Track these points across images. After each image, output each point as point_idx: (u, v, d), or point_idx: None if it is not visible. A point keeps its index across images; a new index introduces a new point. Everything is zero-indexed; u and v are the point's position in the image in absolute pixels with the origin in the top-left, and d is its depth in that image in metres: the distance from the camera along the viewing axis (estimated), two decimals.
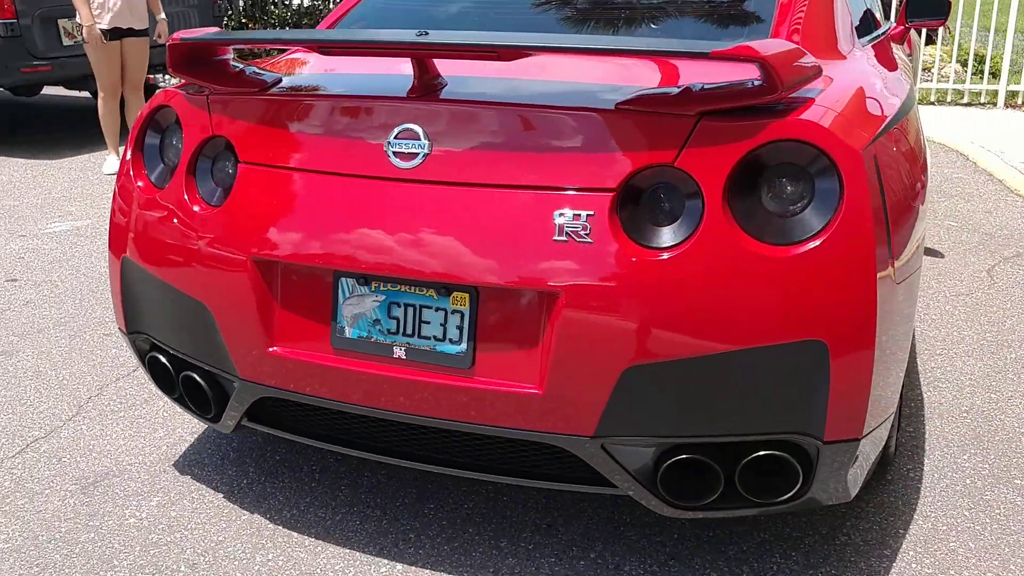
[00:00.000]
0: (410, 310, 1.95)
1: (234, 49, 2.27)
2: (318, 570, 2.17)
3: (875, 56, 2.83)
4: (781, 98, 1.79)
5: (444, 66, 2.08)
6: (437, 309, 1.93)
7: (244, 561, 2.21)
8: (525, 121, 1.87)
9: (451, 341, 1.92)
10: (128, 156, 2.33)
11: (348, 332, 2.00)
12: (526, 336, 1.87)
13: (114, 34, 6.05)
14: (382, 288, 1.97)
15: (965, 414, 2.83)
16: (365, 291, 1.98)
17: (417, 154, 1.91)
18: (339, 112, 2.00)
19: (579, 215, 1.81)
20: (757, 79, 1.79)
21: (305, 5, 10.93)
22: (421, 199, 1.91)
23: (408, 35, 1.89)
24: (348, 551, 2.24)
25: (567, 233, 1.81)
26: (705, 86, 1.83)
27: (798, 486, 1.90)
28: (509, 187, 1.86)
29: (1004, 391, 2.97)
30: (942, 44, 9.04)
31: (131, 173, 2.31)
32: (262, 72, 2.22)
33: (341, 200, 1.97)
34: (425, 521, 2.35)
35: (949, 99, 8.40)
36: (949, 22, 9.31)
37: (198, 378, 2.24)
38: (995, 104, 8.23)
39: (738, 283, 1.76)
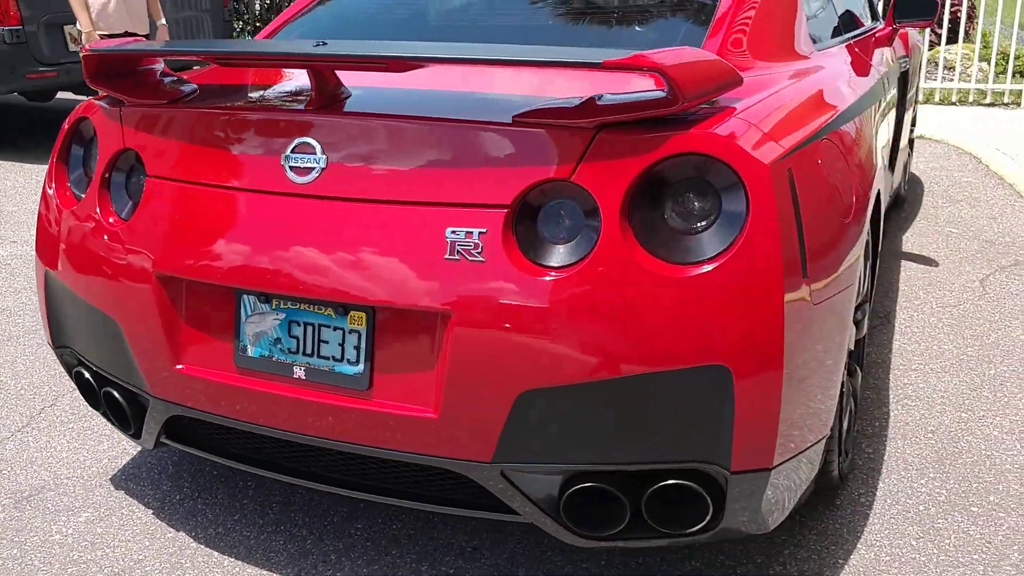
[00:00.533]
0: (309, 329, 1.89)
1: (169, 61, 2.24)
2: None
3: (843, 58, 2.73)
4: (684, 109, 1.70)
5: (347, 78, 2.02)
6: (335, 328, 1.86)
7: None
8: (420, 134, 1.80)
9: (349, 362, 1.86)
10: (51, 167, 2.30)
11: (250, 351, 1.95)
12: (421, 358, 1.80)
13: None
14: (282, 306, 1.91)
15: (931, 434, 2.71)
16: (266, 309, 1.93)
17: (313, 168, 1.85)
18: (240, 125, 1.95)
19: (471, 232, 1.73)
20: (661, 90, 1.70)
21: None
22: (317, 215, 1.84)
23: (304, 46, 1.83)
24: (266, 572, 2.19)
25: (459, 251, 1.73)
26: (604, 98, 1.75)
27: (708, 517, 1.81)
28: (403, 203, 1.79)
29: (976, 409, 2.84)
30: (965, 42, 8.80)
31: (52, 184, 2.27)
32: (176, 83, 2.18)
33: (242, 215, 1.91)
34: (350, 542, 2.29)
35: (972, 99, 8.16)
36: (975, 19, 9.06)
37: (116, 394, 2.21)
38: (1019, 104, 7.99)
39: (636, 304, 1.68)
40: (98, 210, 2.12)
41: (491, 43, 2.33)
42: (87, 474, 2.63)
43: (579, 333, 1.69)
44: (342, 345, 1.86)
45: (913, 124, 5.12)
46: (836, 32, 3.05)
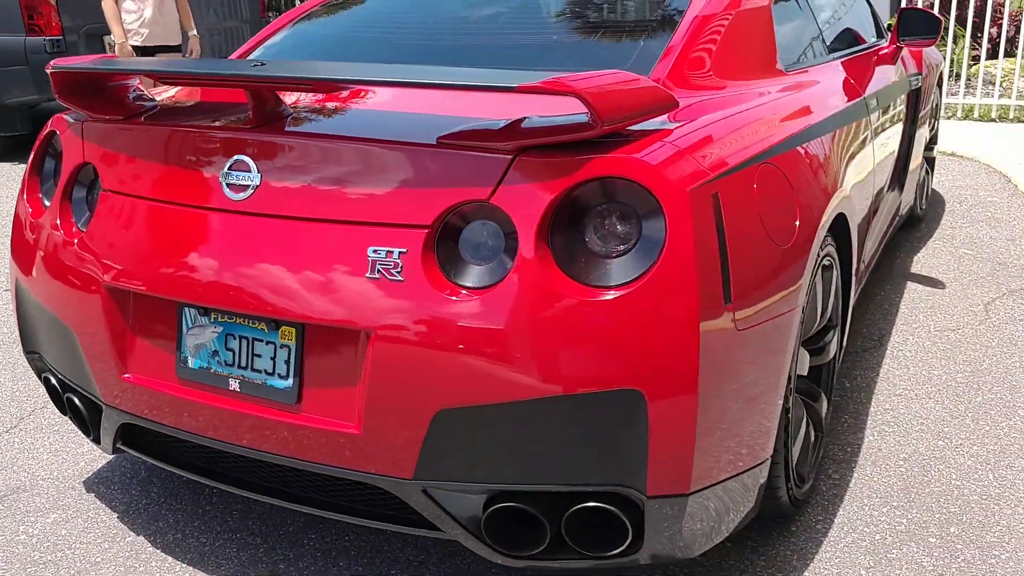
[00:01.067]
0: (244, 343, 1.93)
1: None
2: None
3: (822, 77, 2.70)
4: (603, 133, 1.70)
5: (288, 97, 2.06)
6: (268, 343, 1.90)
7: None
8: (348, 154, 1.83)
9: (279, 376, 1.89)
10: (25, 176, 2.38)
11: (191, 362, 2.00)
12: (346, 374, 1.82)
13: (146, 51, 6.23)
14: (220, 320, 1.95)
15: (903, 461, 2.66)
16: (206, 322, 1.97)
17: (248, 186, 1.89)
18: (185, 142, 2.00)
19: (391, 252, 1.76)
20: (583, 114, 1.71)
21: None
22: (251, 231, 1.88)
23: (242, 66, 1.88)
24: None
25: (379, 270, 1.76)
26: (526, 121, 1.76)
27: (628, 541, 1.81)
28: (329, 221, 1.82)
29: (954, 437, 2.78)
30: (1007, 58, 8.59)
31: (25, 193, 2.35)
32: (138, 99, 2.24)
33: (184, 230, 1.96)
34: (300, 552, 2.33)
35: (1012, 116, 7.97)
36: (1020, 34, 8.82)
37: (76, 400, 2.27)
38: None
39: (551, 326, 1.68)
40: (59, 220, 2.19)
41: (448, 64, 2.36)
42: (63, 476, 2.70)
43: (494, 354, 1.70)
44: (274, 359, 1.89)
45: (933, 142, 5.02)
46: (824, 51, 3.02)
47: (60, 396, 2.39)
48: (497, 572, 2.22)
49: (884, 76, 3.45)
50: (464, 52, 2.43)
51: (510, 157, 1.72)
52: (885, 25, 4.18)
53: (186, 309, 1.99)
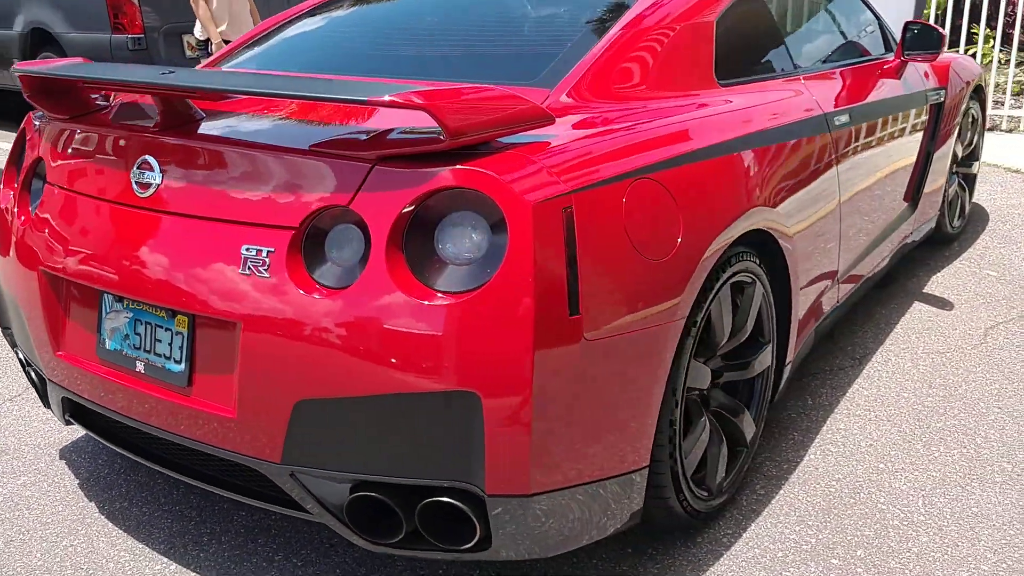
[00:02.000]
0: (149, 328, 2.09)
1: None
2: (105, 560, 2.35)
3: (768, 93, 2.69)
4: (454, 146, 1.79)
5: (191, 103, 2.21)
6: (167, 329, 2.06)
7: (50, 543, 2.43)
8: (230, 158, 1.97)
9: (175, 360, 2.04)
10: (5, 166, 2.62)
11: (108, 344, 2.17)
12: (225, 362, 1.96)
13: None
14: (131, 306, 2.12)
15: (835, 482, 2.63)
16: (120, 308, 2.15)
17: (151, 184, 2.06)
18: (107, 141, 2.17)
19: (261, 250, 1.89)
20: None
21: None
22: (153, 226, 2.05)
23: (150, 74, 2.04)
24: (142, 546, 2.41)
25: (250, 267, 1.89)
26: (387, 131, 1.86)
27: (477, 536, 1.89)
28: (213, 220, 1.96)
29: (898, 462, 2.73)
30: None
31: (2, 183, 2.59)
32: (88, 100, 2.42)
33: (103, 223, 2.14)
34: (227, 527, 2.48)
35: None
36: None
37: (32, 373, 2.49)
38: None
39: (398, 327, 1.78)
40: (16, 209, 2.41)
41: (382, 71, 2.48)
42: (45, 443, 2.94)
43: (346, 350, 1.81)
44: (171, 345, 2.05)
45: (972, 158, 4.85)
46: (790, 65, 2.99)
47: (25, 368, 2.61)
48: (397, 559, 2.32)
49: (877, 91, 3.39)
50: (396, 62, 2.55)
51: (369, 165, 1.83)
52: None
53: (105, 295, 2.17)
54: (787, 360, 2.75)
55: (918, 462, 2.73)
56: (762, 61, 2.84)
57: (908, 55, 3.61)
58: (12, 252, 2.39)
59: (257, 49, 2.88)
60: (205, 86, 1.92)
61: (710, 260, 2.14)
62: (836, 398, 3.13)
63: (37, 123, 2.45)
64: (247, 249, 1.90)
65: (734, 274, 2.31)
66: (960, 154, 4.66)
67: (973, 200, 5.18)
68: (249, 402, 1.92)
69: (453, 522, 1.92)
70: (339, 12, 2.93)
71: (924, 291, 4.12)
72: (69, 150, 2.27)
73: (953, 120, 4.26)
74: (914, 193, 4.00)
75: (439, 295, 1.78)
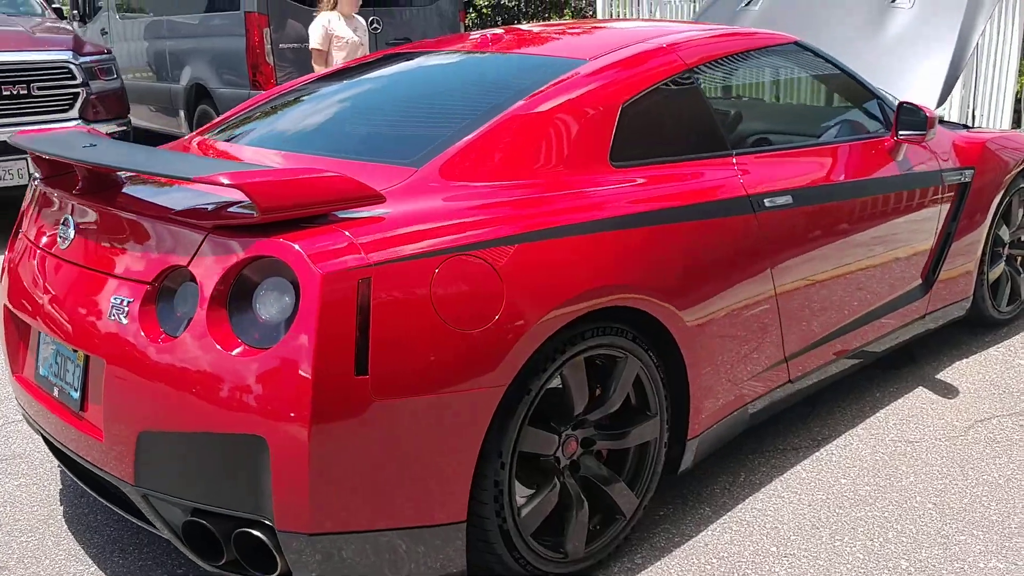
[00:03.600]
0: (63, 359, 2.47)
1: None
2: (43, 556, 2.74)
3: (676, 174, 2.77)
4: (267, 220, 2.06)
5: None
6: (72, 362, 2.43)
7: (10, 538, 2.85)
8: (114, 220, 2.36)
9: (74, 389, 2.41)
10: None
11: (41, 370, 2.58)
12: (99, 393, 2.30)
13: None
14: (54, 340, 2.51)
15: (716, 560, 2.65)
16: (48, 340, 2.54)
17: (68, 239, 2.45)
18: (53, 198, 2.60)
19: (124, 300, 2.23)
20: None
21: None
22: (66, 274, 2.44)
23: (73, 147, 2.44)
24: (79, 548, 2.78)
25: (115, 313, 2.23)
26: (224, 202, 2.16)
27: (279, 568, 2.12)
28: (99, 271, 2.33)
29: (792, 547, 2.71)
30: None
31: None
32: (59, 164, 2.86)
33: (39, 268, 2.56)
34: (155, 539, 2.82)
35: None
36: None
37: None
38: None
39: (210, 373, 2.06)
40: (5, 252, 2.89)
41: (302, 144, 2.80)
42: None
43: (173, 390, 2.11)
44: (73, 375, 2.42)
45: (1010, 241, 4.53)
46: (724, 145, 2.99)
47: None
48: None
49: (851, 171, 3.37)
50: (315, 136, 2.88)
51: (205, 233, 2.13)
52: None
53: (40, 331, 2.57)
54: (689, 436, 2.80)
55: (813, 550, 2.71)
56: (680, 143, 2.92)
57: (901, 136, 3.56)
58: None
59: (237, 125, 3.27)
60: (74, 158, 2.32)
61: (541, 334, 2.28)
62: (771, 477, 3.12)
63: (32, 181, 2.93)
64: (115, 298, 2.25)
65: (589, 348, 2.43)
66: (1009, 237, 4.44)
67: None
68: (110, 429, 2.24)
69: (267, 554, 2.16)
70: (301, 94, 3.29)
71: (937, 375, 3.96)
72: (34, 205, 2.72)
73: (986, 201, 4.09)
74: (928, 274, 3.89)
75: (245, 349, 2.04)
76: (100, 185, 2.53)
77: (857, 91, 3.72)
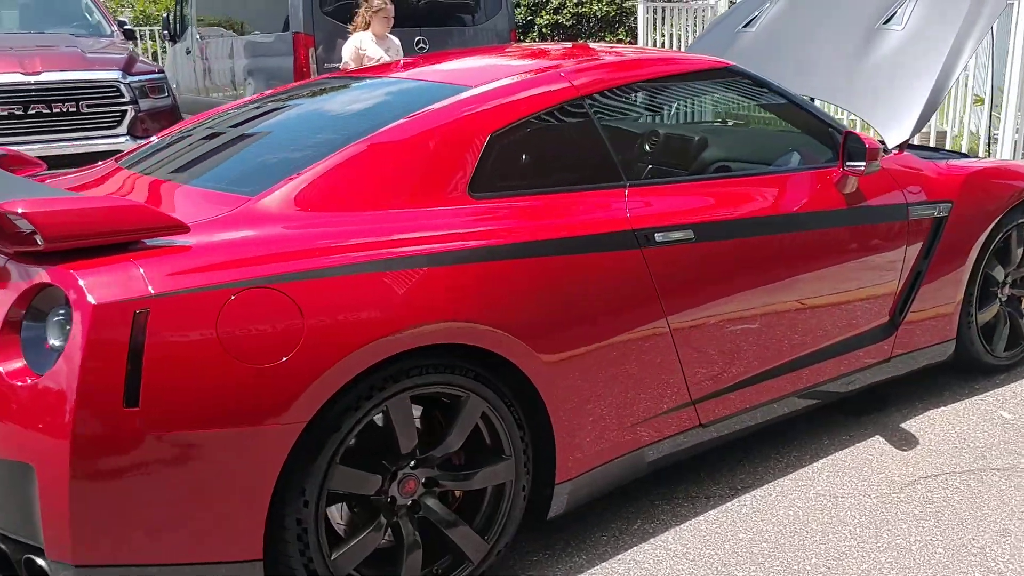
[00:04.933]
0: None
1: None
2: None
3: (543, 206, 2.66)
4: (53, 249, 2.07)
5: None
6: None
7: None
8: None
9: None
10: None
11: None
12: None
13: None
14: None
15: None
16: None
17: None
18: None
19: None
20: None
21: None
22: None
23: None
24: None
25: None
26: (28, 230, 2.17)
27: None
28: None
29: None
30: None
31: None
32: None
33: None
34: None
35: None
36: None
37: None
38: None
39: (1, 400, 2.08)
40: None
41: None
42: None
43: None
44: None
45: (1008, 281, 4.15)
46: (612, 176, 2.83)
47: None
48: None
49: (778, 203, 3.17)
50: (193, 163, 2.88)
51: (6, 260, 2.16)
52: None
53: None
54: (557, 480, 2.68)
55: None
56: (559, 174, 2.80)
57: (847, 167, 3.32)
58: None
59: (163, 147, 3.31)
60: None
61: (350, 370, 2.21)
62: (667, 527, 2.95)
63: None
64: None
65: (417, 386, 2.35)
66: (1008, 277, 4.10)
67: None
68: None
69: None
70: (205, 122, 3.30)
71: (902, 424, 3.68)
72: None
73: (969, 237, 3.78)
74: (895, 315, 3.62)
75: (29, 375, 2.05)
76: None
77: (803, 119, 3.51)
